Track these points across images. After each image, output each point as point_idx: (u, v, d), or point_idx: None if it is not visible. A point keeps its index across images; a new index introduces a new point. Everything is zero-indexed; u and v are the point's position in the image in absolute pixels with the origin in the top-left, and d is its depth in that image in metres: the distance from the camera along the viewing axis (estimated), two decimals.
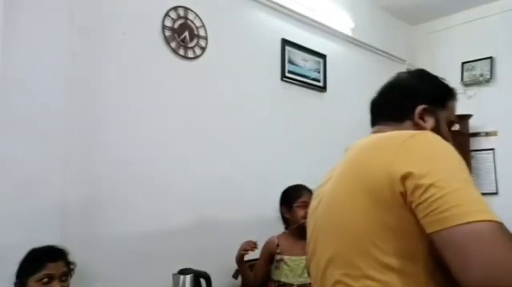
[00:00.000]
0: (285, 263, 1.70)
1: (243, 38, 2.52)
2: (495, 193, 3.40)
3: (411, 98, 0.89)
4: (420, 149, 0.70)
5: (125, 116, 1.93)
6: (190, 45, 2.19)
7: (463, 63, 3.64)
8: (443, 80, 0.94)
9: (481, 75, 3.52)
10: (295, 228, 1.76)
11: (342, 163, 0.84)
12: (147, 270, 1.88)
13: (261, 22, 2.66)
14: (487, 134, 3.49)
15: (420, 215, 0.64)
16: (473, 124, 3.49)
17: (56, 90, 1.67)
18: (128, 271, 1.83)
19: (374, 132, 0.93)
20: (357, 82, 3.36)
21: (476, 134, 3.52)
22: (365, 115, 0.98)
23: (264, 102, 2.61)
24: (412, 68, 3.96)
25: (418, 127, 0.86)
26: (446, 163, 0.68)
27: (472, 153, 3.50)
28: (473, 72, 3.58)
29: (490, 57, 3.50)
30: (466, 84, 3.61)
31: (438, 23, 3.87)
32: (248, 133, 2.47)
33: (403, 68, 3.95)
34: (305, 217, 1.72)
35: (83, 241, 1.71)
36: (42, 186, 1.60)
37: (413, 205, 0.66)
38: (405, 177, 0.66)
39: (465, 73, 3.62)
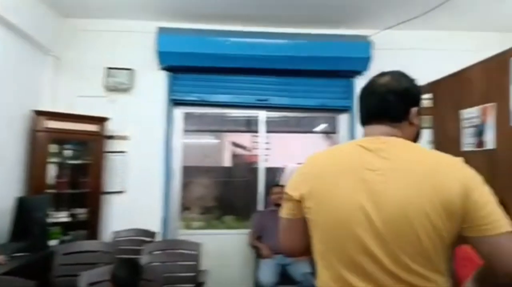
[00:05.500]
0: None
1: None
2: (124, 191, 3.77)
3: (405, 101, 1.05)
4: None
5: None
6: None
7: (108, 68, 3.83)
8: (416, 82, 1.12)
9: (122, 83, 3.83)
10: None
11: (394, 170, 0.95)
12: None
13: None
14: (121, 137, 3.82)
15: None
16: (110, 128, 3.73)
17: None
18: None
19: (382, 134, 1.04)
20: None
21: (111, 137, 3.77)
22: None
23: None
24: (57, 59, 3.76)
25: (412, 126, 1.06)
26: None
27: (107, 154, 3.72)
28: (116, 79, 3.84)
29: (131, 69, 3.88)
30: (109, 89, 3.82)
31: (90, 23, 3.89)
32: None
33: (46, 58, 3.67)
34: None
35: None
36: None
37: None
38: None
39: (109, 79, 3.82)
